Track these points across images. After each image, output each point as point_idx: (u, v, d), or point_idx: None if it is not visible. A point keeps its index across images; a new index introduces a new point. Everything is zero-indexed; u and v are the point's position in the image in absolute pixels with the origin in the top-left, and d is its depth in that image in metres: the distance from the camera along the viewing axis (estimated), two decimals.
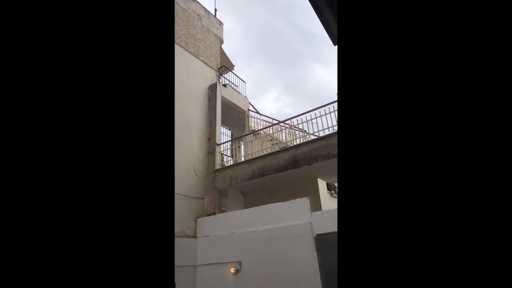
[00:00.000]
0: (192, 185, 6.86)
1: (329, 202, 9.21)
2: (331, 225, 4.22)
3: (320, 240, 3.48)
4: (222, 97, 8.38)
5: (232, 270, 5.36)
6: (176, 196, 6.26)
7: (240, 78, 9.78)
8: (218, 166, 7.26)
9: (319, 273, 3.35)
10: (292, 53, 58.72)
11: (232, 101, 8.75)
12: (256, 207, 5.78)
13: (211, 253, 5.85)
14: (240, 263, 5.36)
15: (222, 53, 9.95)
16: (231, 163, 7.29)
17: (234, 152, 7.97)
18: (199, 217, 6.57)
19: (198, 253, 6.04)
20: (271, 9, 57.85)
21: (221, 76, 9.18)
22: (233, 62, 10.78)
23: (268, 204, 5.64)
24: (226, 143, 8.02)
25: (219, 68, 9.18)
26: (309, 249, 4.68)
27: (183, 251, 5.83)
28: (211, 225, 6.23)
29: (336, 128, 5.87)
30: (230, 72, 9.70)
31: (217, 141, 7.58)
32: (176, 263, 5.12)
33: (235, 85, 9.46)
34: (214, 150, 7.45)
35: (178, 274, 4.73)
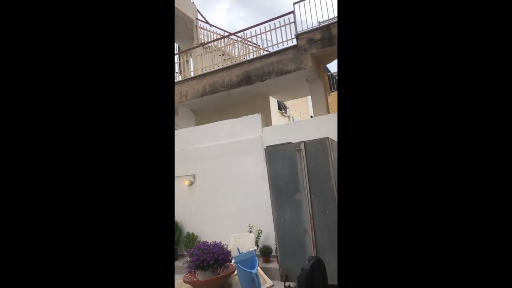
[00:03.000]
0: None
1: (279, 120, 9.63)
2: (280, 138, 4.48)
3: (269, 151, 3.71)
4: None
5: (186, 182, 5.62)
6: None
7: None
8: None
9: (267, 179, 3.68)
10: None
11: (177, 7, 7.61)
12: (209, 124, 5.77)
13: None
14: (194, 176, 5.61)
15: None
16: (180, 79, 6.82)
17: (182, 67, 7.38)
18: None
19: None
20: None
21: None
22: None
23: (221, 121, 5.66)
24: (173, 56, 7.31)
25: None
26: (259, 161, 5.03)
27: None
28: None
29: (290, 42, 5.66)
30: None
31: None
32: None
33: None
34: None
35: None
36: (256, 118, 5.26)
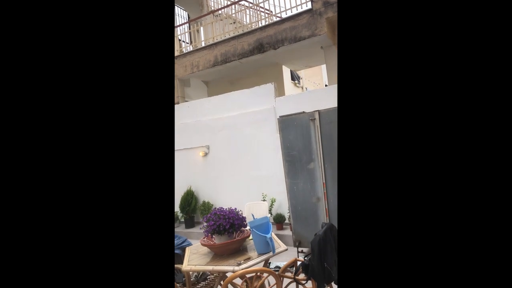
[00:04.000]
0: None
1: (292, 91, 9.42)
2: (293, 108, 4.41)
3: (283, 120, 3.67)
4: None
5: (201, 153, 5.72)
6: None
7: None
8: (176, 53, 6.65)
9: (280, 149, 3.69)
10: None
11: None
12: (221, 95, 5.73)
13: (179, 140, 6.05)
14: (208, 147, 5.69)
15: None
16: (191, 49, 6.68)
17: (193, 37, 7.19)
18: None
19: None
20: None
21: None
22: None
23: (233, 92, 5.59)
24: (183, 26, 7.12)
25: None
26: (272, 131, 5.02)
27: None
28: (176, 114, 6.19)
29: (304, 6, 5.36)
30: None
31: None
32: None
33: None
34: None
35: None
36: (269, 88, 5.16)
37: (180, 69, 6.56)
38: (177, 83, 6.62)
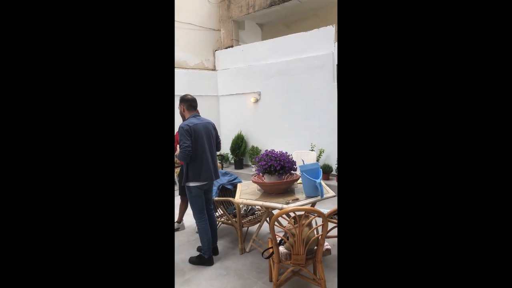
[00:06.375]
0: (206, 14, 6.26)
1: None
2: None
3: None
4: None
5: (252, 99, 5.74)
6: (189, 26, 5.86)
7: None
8: None
9: (336, 98, 3.49)
10: None
11: None
12: (276, 38, 5.44)
13: (232, 85, 6.11)
14: (259, 93, 5.66)
15: None
16: None
17: None
18: (216, 50, 6.41)
19: (219, 85, 6.33)
20: None
21: None
22: None
23: (289, 35, 5.26)
24: None
25: None
26: (328, 79, 4.73)
27: (204, 82, 6.09)
28: (230, 57, 6.16)
29: None
30: None
31: None
32: (199, 93, 5.46)
33: None
34: None
35: (202, 102, 5.12)
36: (328, 31, 4.72)
37: (235, 10, 6.29)
38: (231, 25, 6.42)
